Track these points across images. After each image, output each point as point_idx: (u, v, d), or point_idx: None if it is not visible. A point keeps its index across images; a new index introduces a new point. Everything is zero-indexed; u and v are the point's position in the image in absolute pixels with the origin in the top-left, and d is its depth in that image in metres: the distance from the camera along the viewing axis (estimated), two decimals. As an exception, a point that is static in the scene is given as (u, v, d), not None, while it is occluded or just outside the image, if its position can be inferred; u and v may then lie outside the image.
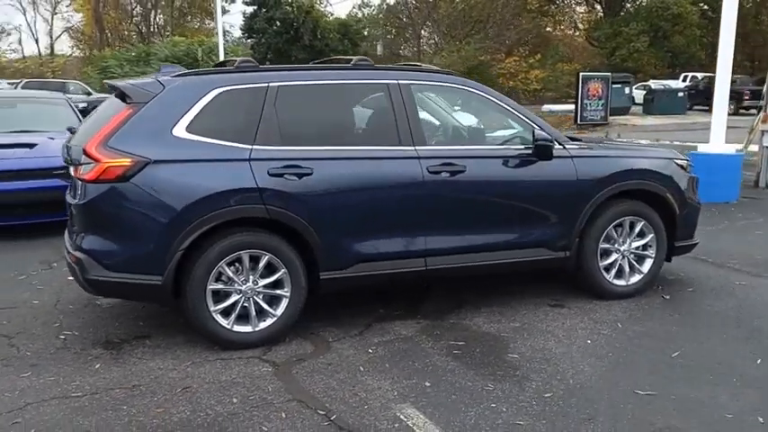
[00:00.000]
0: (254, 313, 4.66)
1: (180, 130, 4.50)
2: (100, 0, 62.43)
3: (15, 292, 5.89)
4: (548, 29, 48.20)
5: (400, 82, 5.04)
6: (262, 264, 4.63)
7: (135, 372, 4.33)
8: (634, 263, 5.65)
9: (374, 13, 44.99)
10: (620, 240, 5.57)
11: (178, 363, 4.45)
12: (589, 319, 5.18)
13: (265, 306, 4.68)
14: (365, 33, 36.98)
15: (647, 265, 5.69)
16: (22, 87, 27.77)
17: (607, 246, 5.54)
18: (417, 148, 4.95)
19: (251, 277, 4.62)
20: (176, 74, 4.84)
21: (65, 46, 71.70)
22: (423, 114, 5.27)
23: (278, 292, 4.70)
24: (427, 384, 4.11)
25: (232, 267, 4.60)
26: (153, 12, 64.32)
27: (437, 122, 5.71)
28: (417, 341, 4.79)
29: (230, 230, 4.55)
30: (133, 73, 37.24)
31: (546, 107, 31.71)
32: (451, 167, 4.99)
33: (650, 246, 5.66)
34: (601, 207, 5.41)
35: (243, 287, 4.60)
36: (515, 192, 5.23)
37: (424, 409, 3.80)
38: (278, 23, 33.01)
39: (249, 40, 36.03)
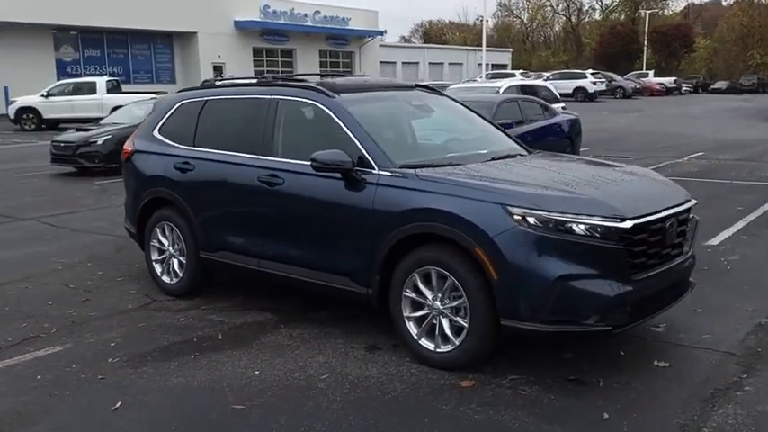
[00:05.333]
0: (173, 269, 6.23)
1: (156, 132, 6.43)
2: None
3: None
4: None
5: (272, 97, 5.53)
6: (174, 234, 6.15)
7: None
8: (447, 330, 4.45)
9: None
10: (432, 294, 4.49)
11: (94, 300, 6.38)
12: (341, 374, 4.54)
13: (177, 269, 6.19)
14: None
15: (461, 336, 4.37)
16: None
17: (414, 296, 4.58)
18: (262, 157, 5.43)
19: (173, 242, 6.21)
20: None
21: None
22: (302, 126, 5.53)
23: (181, 259, 6.13)
24: (113, 345, 5.10)
25: (166, 233, 6.27)
26: None
27: (300, 135, 5.55)
28: (214, 325, 5.43)
29: (161, 205, 6.24)
30: None
31: None
32: (274, 179, 5.26)
33: (467, 311, 4.33)
34: (400, 247, 4.56)
35: (166, 249, 6.25)
36: (318, 212, 5.02)
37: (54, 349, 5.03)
38: None
39: None
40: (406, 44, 74.57)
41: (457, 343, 4.39)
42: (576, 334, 4.17)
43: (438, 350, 4.49)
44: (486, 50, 68.67)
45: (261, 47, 45.95)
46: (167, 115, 6.38)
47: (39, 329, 5.42)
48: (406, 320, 4.63)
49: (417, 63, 63.34)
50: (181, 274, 6.12)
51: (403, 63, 61.36)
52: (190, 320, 5.59)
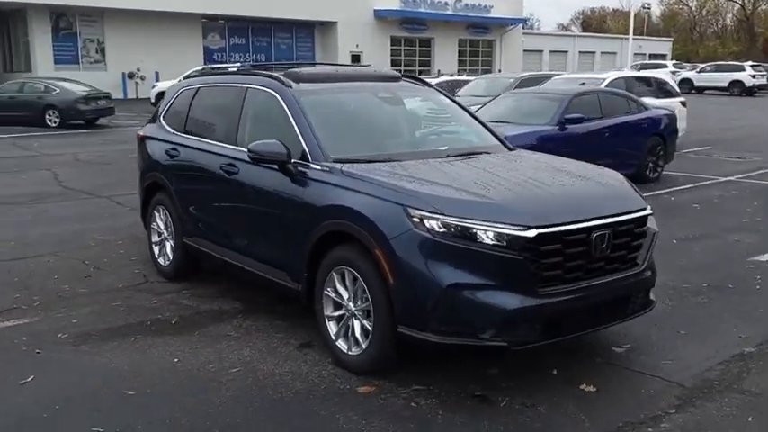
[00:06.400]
0: (166, 252, 6.41)
1: (161, 118, 6.62)
2: None
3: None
4: None
5: (242, 85, 5.52)
6: (167, 218, 6.31)
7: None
8: (357, 333, 4.26)
9: None
10: (347, 295, 4.32)
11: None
12: (252, 369, 4.43)
13: (169, 252, 6.36)
14: None
15: (368, 339, 4.17)
16: None
17: (333, 296, 4.42)
18: (226, 146, 5.44)
19: (166, 226, 6.37)
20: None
21: None
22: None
23: (172, 243, 6.29)
24: (74, 322, 5.33)
25: (162, 217, 6.45)
26: None
27: (260, 125, 5.38)
28: (180, 309, 5.54)
29: (158, 190, 6.42)
30: None
31: None
32: (232, 168, 5.26)
33: (372, 315, 4.13)
34: (322, 243, 4.41)
35: (162, 232, 6.44)
36: (263, 204, 4.98)
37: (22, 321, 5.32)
38: None
39: None
40: (553, 32, 72.29)
41: (363, 347, 4.20)
42: (472, 347, 3.85)
43: (349, 352, 4.31)
44: (643, 39, 65.40)
45: (399, 36, 46.17)
46: (171, 102, 6.54)
47: (24, 302, 5.74)
48: (326, 320, 4.49)
49: (566, 52, 61.25)
50: (171, 258, 6.27)
51: (551, 52, 59.59)
52: (161, 303, 5.71)
